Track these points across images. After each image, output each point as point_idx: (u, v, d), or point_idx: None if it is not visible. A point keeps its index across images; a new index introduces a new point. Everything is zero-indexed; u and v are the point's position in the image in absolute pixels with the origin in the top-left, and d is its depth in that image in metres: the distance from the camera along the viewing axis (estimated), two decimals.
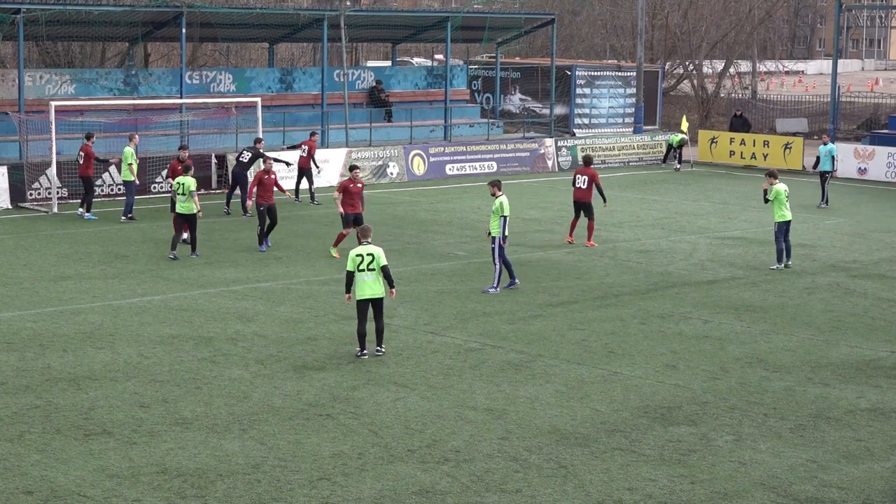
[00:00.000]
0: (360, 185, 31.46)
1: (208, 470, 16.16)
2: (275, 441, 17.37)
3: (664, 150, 56.87)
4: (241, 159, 39.01)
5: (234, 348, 22.41)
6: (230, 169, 41.17)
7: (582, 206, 34.23)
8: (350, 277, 21.75)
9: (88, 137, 37.50)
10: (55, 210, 38.44)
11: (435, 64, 69.52)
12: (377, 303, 21.81)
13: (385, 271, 21.67)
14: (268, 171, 32.60)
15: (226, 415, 18.53)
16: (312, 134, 43.04)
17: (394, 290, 22.16)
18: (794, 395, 20.27)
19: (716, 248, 34.48)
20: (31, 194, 39.83)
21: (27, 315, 24.64)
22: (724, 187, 49.26)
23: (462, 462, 16.70)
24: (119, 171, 38.34)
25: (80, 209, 37.37)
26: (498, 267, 27.69)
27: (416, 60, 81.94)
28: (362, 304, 21.75)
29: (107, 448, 16.92)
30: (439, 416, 18.69)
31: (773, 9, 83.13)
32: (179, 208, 31.11)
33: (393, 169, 48.42)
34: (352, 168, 31.84)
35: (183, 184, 31.06)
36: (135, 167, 36.97)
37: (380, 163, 48.17)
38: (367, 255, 21.60)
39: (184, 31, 45.75)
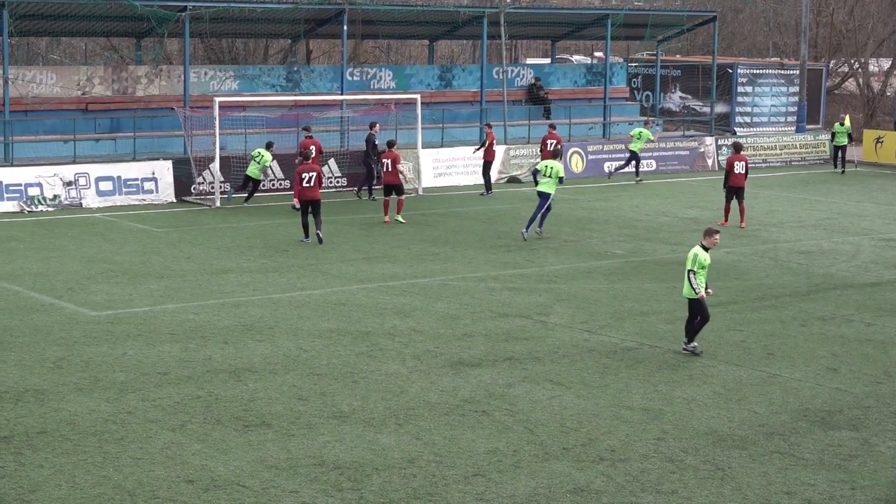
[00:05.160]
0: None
1: (364, 463, 16.31)
2: (430, 436, 17.47)
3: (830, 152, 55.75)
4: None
5: (391, 343, 22.58)
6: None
7: (736, 190, 37.49)
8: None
9: None
10: (217, 204, 39.13)
11: (594, 61, 69.28)
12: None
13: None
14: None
15: (382, 409, 18.68)
16: (488, 125, 43.87)
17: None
18: None
19: (880, 249, 33.82)
20: (194, 188, 40.59)
21: (190, 307, 25.12)
22: (889, 188, 48.28)
23: (617, 461, 16.62)
24: None
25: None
26: None
27: (576, 58, 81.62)
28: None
29: (265, 439, 17.18)
30: (595, 415, 18.63)
31: None
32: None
33: None
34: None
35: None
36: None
37: (538, 160, 48.09)
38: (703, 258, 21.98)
39: (345, 28, 46.22)
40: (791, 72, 61.45)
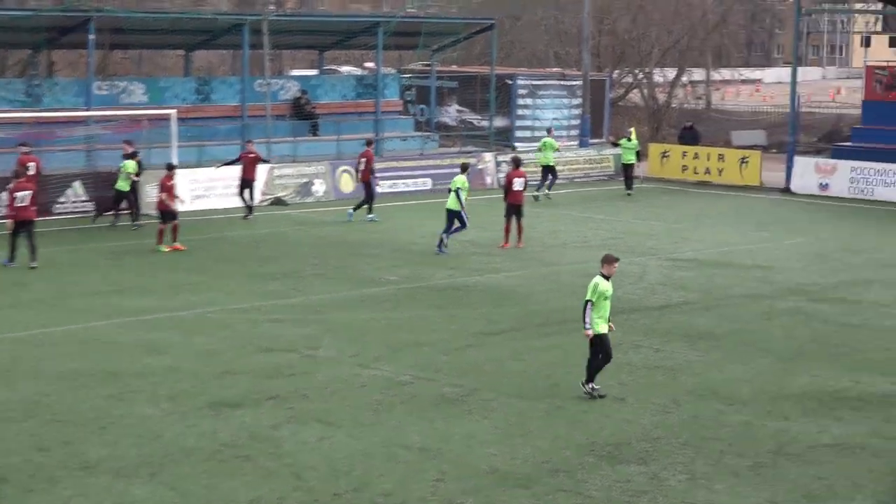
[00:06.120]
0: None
1: None
2: (187, 486, 17.17)
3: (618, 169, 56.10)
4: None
5: (144, 384, 22.17)
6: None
7: (516, 208, 38.03)
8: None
9: None
10: None
11: (365, 73, 69.47)
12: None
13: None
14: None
15: (134, 457, 18.31)
16: (249, 142, 43.82)
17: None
18: (751, 430, 20.27)
19: (668, 270, 34.52)
20: None
21: None
22: (676, 205, 49.42)
23: None
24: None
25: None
26: None
27: (345, 69, 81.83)
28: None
29: (1, 496, 16.65)
30: (368, 456, 18.54)
31: (728, 13, 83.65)
32: None
33: (319, 187, 48.20)
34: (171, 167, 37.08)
35: None
36: None
37: (304, 180, 47.92)
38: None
39: (92, 37, 45.44)
40: (573, 83, 62.49)
